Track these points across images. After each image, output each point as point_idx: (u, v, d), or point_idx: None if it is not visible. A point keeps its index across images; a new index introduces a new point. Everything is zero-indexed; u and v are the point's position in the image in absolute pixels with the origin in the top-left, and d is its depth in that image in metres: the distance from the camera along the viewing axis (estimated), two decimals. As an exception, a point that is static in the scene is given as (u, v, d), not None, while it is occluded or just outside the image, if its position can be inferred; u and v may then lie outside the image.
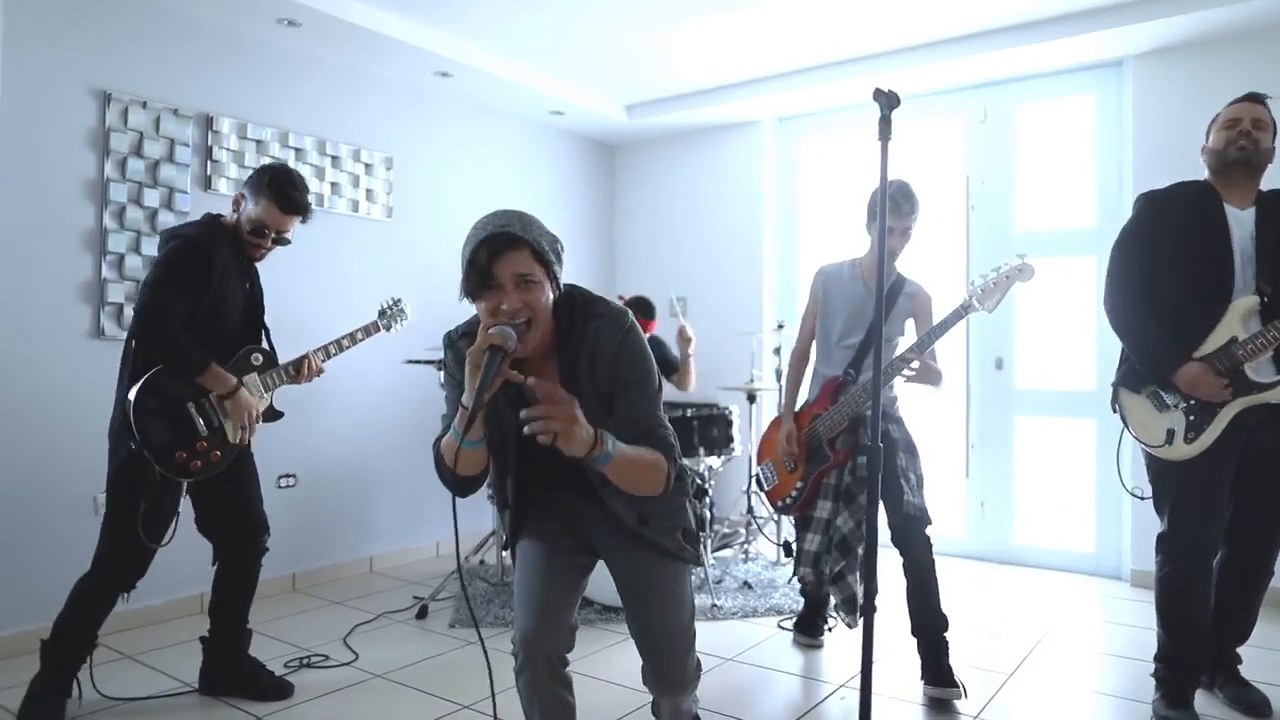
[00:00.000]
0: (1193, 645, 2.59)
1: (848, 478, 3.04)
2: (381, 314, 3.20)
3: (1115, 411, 2.73)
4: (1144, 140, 4.24)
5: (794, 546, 3.28)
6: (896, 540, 2.91)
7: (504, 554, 4.13)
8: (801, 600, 3.51)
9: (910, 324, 3.14)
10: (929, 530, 2.93)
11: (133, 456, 2.52)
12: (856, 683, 2.95)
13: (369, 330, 3.11)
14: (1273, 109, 2.64)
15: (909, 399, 3.25)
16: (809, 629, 3.42)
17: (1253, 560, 2.70)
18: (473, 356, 1.64)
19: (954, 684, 2.80)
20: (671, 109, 5.38)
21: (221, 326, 2.70)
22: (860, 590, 2.99)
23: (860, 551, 2.99)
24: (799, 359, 3.29)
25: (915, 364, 2.83)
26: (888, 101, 1.69)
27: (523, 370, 1.72)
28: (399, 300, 3.27)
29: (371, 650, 3.27)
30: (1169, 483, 2.60)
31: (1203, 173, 2.68)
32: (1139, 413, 2.66)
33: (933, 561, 2.92)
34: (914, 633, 2.93)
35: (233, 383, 2.63)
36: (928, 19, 4.14)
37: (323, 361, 2.94)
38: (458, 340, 1.88)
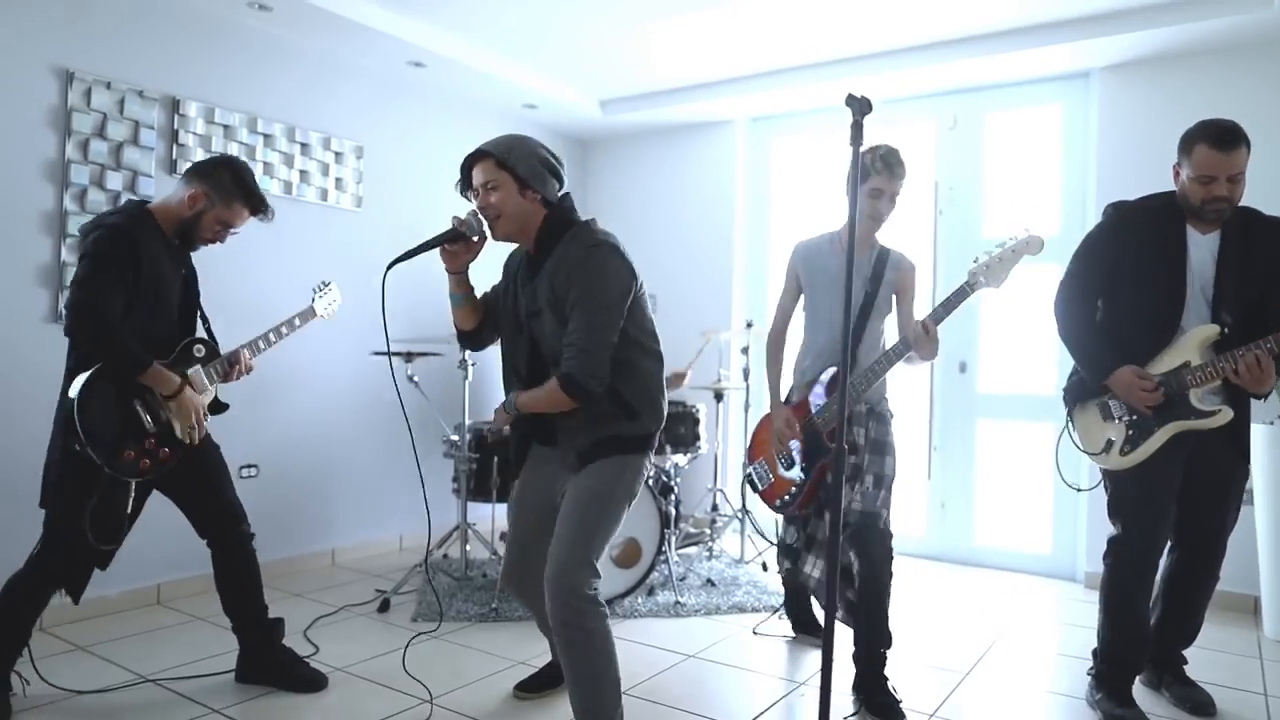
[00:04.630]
0: (1138, 644, 2.70)
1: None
2: (314, 297, 3.07)
3: (1067, 413, 2.82)
4: (1108, 150, 4.32)
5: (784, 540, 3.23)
6: (850, 544, 2.82)
7: (466, 541, 4.11)
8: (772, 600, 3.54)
9: (895, 300, 3.01)
10: (890, 541, 2.81)
11: (76, 456, 2.42)
12: (815, 680, 3.00)
13: (305, 316, 2.96)
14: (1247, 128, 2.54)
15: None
16: (811, 627, 3.42)
17: (1199, 565, 2.77)
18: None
19: (901, 715, 2.67)
20: (645, 106, 5.38)
21: (161, 319, 2.61)
22: (812, 575, 3.05)
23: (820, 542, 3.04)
24: (776, 345, 3.11)
25: (913, 353, 2.71)
26: (860, 107, 1.70)
27: (515, 257, 2.42)
28: (328, 282, 3.16)
29: (332, 643, 3.24)
30: (1122, 488, 2.68)
31: (1171, 182, 2.65)
32: (1084, 419, 2.76)
33: (886, 583, 2.79)
34: (855, 652, 2.81)
35: (176, 382, 2.53)
36: (901, 25, 4.19)
37: (252, 358, 2.81)
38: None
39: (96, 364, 2.44)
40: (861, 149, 2.82)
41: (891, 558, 2.81)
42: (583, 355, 2.13)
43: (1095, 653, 2.79)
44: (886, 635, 2.80)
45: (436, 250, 2.30)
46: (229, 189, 2.63)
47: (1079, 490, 2.88)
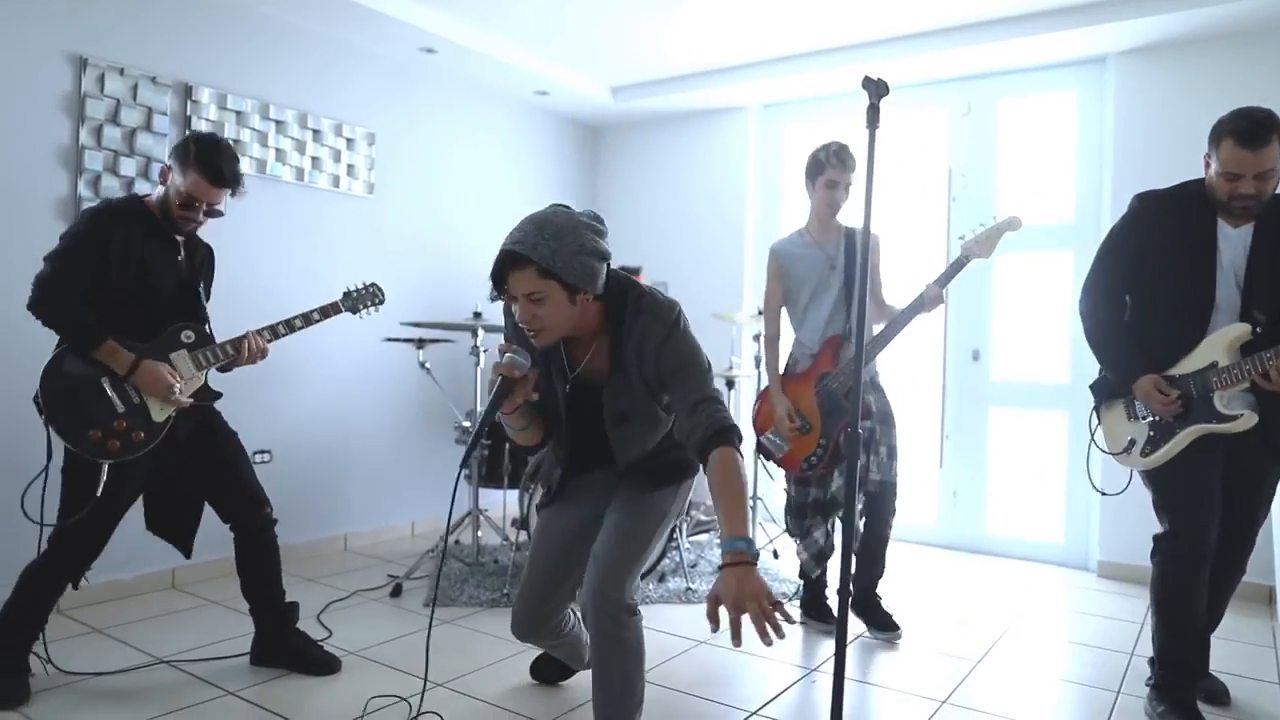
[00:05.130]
0: (1196, 645, 2.58)
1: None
2: (346, 296, 2.99)
3: (1094, 410, 2.75)
4: (1125, 138, 4.28)
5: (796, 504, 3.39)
6: (868, 506, 3.22)
7: (514, 530, 4.13)
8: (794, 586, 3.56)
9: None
10: (897, 503, 3.24)
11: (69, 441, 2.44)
12: (827, 667, 3.00)
13: (327, 311, 2.88)
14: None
15: (890, 378, 3.43)
16: (821, 613, 3.43)
17: (1227, 560, 2.65)
18: (492, 376, 1.99)
19: (896, 626, 3.26)
20: (657, 92, 5.36)
21: (147, 304, 2.59)
22: (825, 543, 3.35)
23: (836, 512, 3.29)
24: (773, 342, 3.39)
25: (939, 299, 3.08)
26: (876, 90, 1.69)
27: (573, 347, 2.11)
28: (373, 285, 3.05)
29: (345, 628, 3.26)
30: (1166, 484, 2.56)
31: (1187, 170, 2.58)
32: (1110, 418, 2.71)
33: (888, 535, 3.27)
34: (854, 583, 3.22)
35: (129, 360, 2.49)
36: (914, 10, 4.15)
37: (268, 341, 2.77)
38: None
39: (64, 343, 2.46)
40: (817, 147, 3.27)
41: (893, 515, 3.27)
42: (721, 406, 1.97)
43: (1152, 661, 2.67)
44: (882, 567, 3.31)
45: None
46: (184, 157, 2.56)
47: (1104, 495, 2.88)
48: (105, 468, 2.50)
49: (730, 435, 1.90)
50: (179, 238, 2.69)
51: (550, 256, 1.85)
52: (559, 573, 2.32)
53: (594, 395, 2.12)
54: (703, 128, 5.68)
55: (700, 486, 5.31)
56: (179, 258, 2.70)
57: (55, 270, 2.45)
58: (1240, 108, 2.39)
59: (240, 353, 2.72)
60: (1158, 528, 2.59)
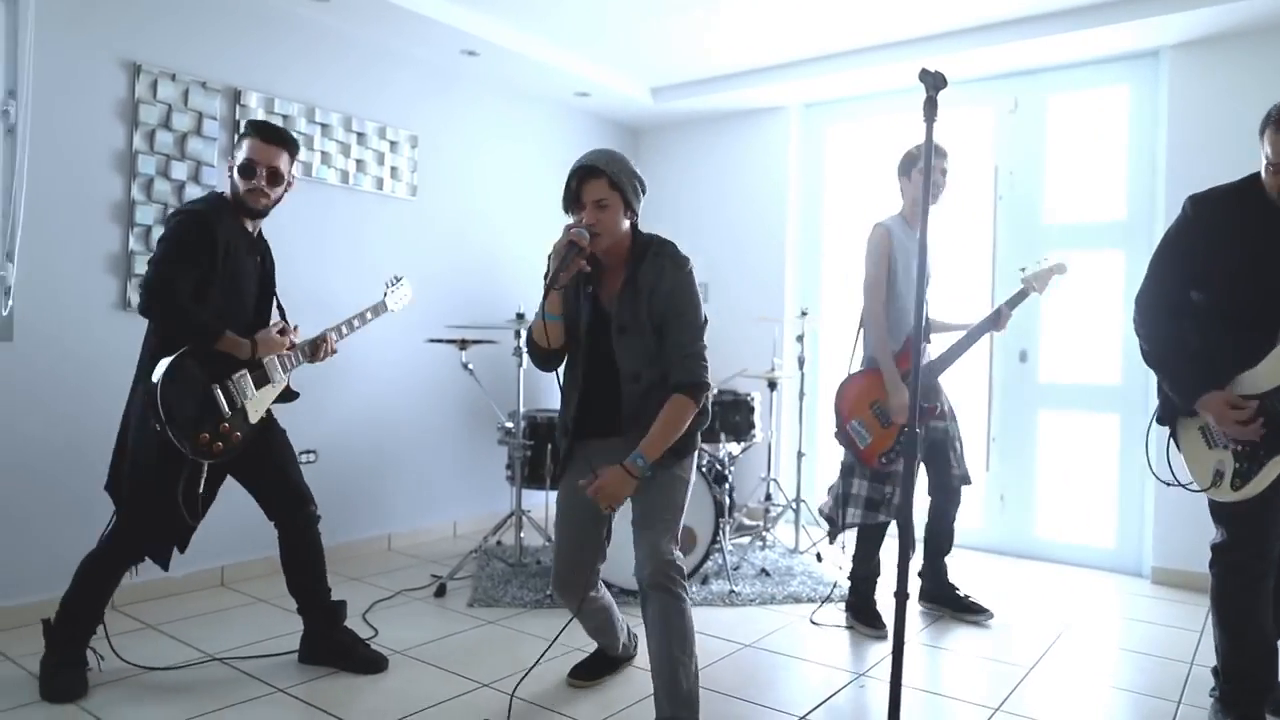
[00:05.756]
0: (1264, 658, 2.40)
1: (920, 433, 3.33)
2: (386, 292, 3.17)
3: (1169, 435, 2.51)
4: (1179, 133, 4.18)
5: (835, 511, 3.41)
6: (935, 504, 3.47)
7: (521, 520, 4.14)
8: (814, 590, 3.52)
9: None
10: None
11: (158, 437, 2.49)
12: (876, 671, 2.96)
13: (377, 310, 3.06)
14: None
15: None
16: (870, 618, 3.38)
17: None
18: (556, 247, 2.27)
19: (985, 608, 3.53)
20: (697, 93, 5.34)
21: (239, 305, 2.68)
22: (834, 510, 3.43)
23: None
24: (881, 318, 3.31)
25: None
26: (934, 82, 1.66)
27: (598, 277, 2.43)
28: (399, 277, 3.24)
29: (391, 627, 3.28)
30: None
31: (1245, 167, 2.42)
32: (1188, 445, 2.46)
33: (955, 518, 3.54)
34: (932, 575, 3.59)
35: (248, 345, 2.63)
36: (960, 6, 4.09)
37: (336, 342, 2.92)
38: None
39: (180, 346, 2.52)
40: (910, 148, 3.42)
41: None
42: (700, 361, 2.34)
43: (1215, 671, 2.53)
44: (949, 543, 3.57)
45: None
46: (238, 136, 2.71)
47: (1169, 484, 2.50)
48: (206, 467, 2.60)
49: (698, 391, 2.32)
50: (251, 230, 2.76)
51: (618, 174, 2.32)
52: (586, 534, 2.54)
53: (608, 324, 2.41)
54: (743, 128, 5.65)
55: (742, 489, 5.28)
56: (258, 257, 2.78)
57: (165, 274, 2.50)
58: None
59: (317, 352, 2.83)
60: (1214, 534, 2.45)
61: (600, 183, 2.32)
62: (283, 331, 2.75)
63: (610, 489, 2.28)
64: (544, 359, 2.47)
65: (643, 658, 2.98)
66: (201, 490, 2.63)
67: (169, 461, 2.54)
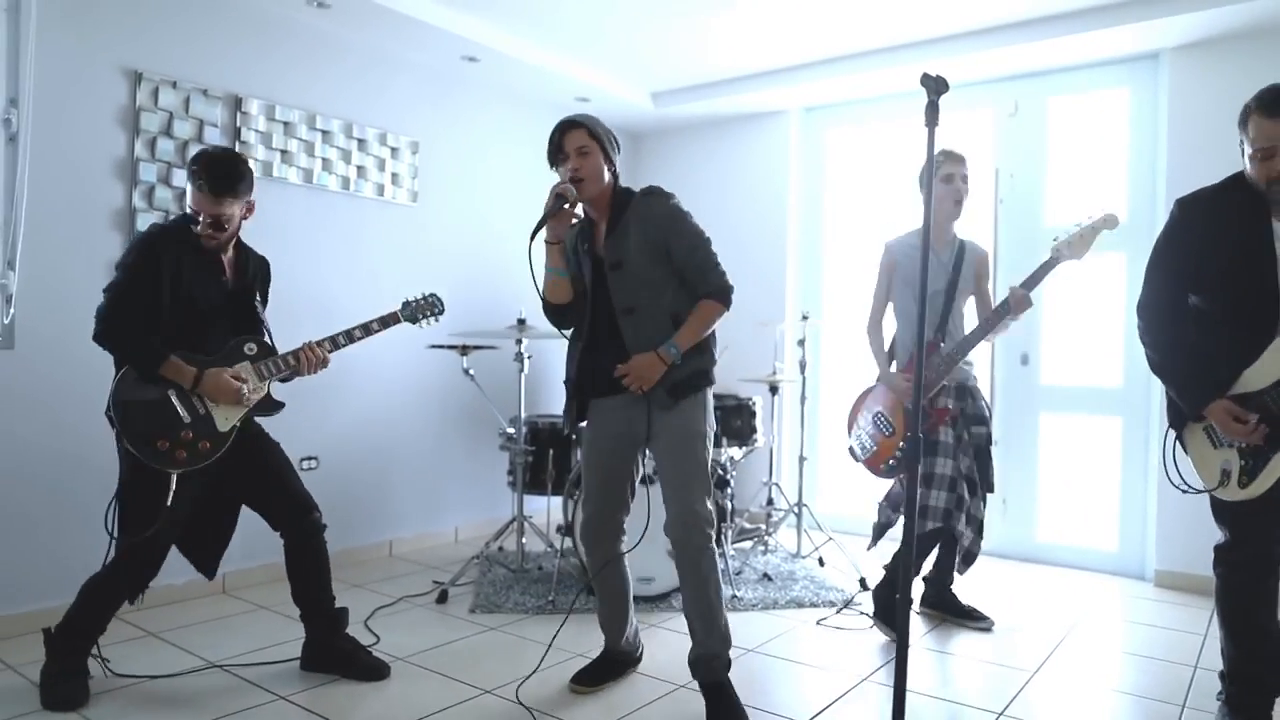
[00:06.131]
0: (1268, 658, 2.40)
1: (965, 435, 3.31)
2: (405, 305, 2.99)
3: (1175, 437, 2.52)
4: (1179, 136, 4.18)
5: (884, 522, 3.45)
6: (973, 504, 3.35)
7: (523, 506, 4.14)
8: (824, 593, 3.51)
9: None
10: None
11: (126, 454, 2.52)
12: (879, 676, 2.95)
13: (386, 321, 2.91)
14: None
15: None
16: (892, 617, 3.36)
17: None
18: (547, 200, 2.48)
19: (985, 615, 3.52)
20: (697, 97, 5.35)
21: (196, 320, 2.65)
22: (969, 541, 3.35)
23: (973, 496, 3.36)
24: (876, 329, 3.46)
25: (1007, 323, 3.16)
26: (936, 86, 1.66)
27: (591, 234, 2.61)
28: (433, 296, 3.04)
29: (392, 633, 3.27)
30: None
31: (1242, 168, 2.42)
32: (1195, 447, 2.47)
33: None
34: (939, 569, 3.56)
35: (191, 374, 2.57)
36: (960, 9, 4.09)
37: (329, 352, 2.79)
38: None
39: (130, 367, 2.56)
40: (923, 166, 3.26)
41: None
42: (719, 269, 2.63)
43: (1222, 675, 2.51)
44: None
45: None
46: (187, 173, 2.63)
47: (1197, 491, 2.47)
48: (174, 478, 2.57)
49: (724, 294, 2.61)
50: (218, 248, 2.72)
51: (594, 126, 2.55)
52: (613, 479, 2.69)
53: (602, 266, 2.58)
54: (743, 132, 5.65)
55: (743, 494, 5.27)
56: (223, 275, 2.74)
57: (112, 302, 2.56)
58: (1266, 85, 2.29)
59: (300, 363, 2.75)
60: (1218, 536, 2.44)
61: (580, 132, 2.53)
62: (240, 378, 2.65)
63: (640, 370, 2.49)
64: (558, 315, 2.67)
65: (646, 660, 2.98)
66: (177, 502, 2.57)
67: (141, 476, 2.54)
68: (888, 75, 4.72)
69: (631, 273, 2.54)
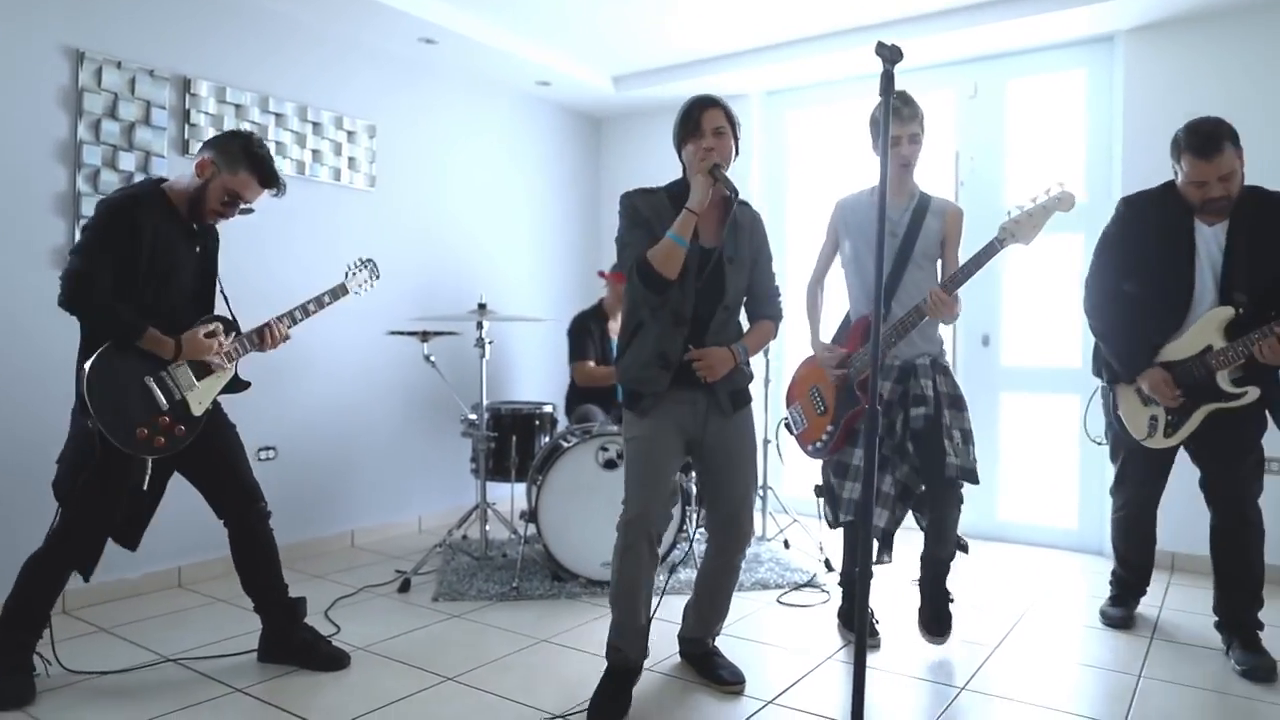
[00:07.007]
0: (1139, 570, 3.27)
1: (899, 431, 2.86)
2: (347, 275, 3.02)
3: (1109, 391, 3.08)
4: (1134, 117, 4.22)
5: (829, 491, 3.07)
6: (930, 500, 2.91)
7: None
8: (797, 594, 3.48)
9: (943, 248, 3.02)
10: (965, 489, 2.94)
11: (92, 434, 2.42)
12: (843, 655, 2.96)
13: (335, 293, 2.92)
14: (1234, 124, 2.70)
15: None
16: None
17: (1235, 520, 2.84)
18: (700, 172, 2.40)
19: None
20: (658, 81, 5.31)
21: (171, 295, 2.58)
22: (885, 525, 2.93)
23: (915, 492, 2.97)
24: (813, 292, 3.17)
25: (949, 306, 2.70)
26: (890, 55, 1.64)
27: (701, 219, 2.44)
28: (367, 259, 3.13)
29: (353, 623, 3.22)
30: (1122, 442, 3.07)
31: None
32: (1126, 403, 3.00)
33: (958, 520, 2.97)
34: (922, 584, 3.06)
35: (171, 343, 2.52)
36: (920, -10, 4.10)
37: (289, 328, 2.79)
38: (636, 195, 2.62)
39: (103, 339, 2.43)
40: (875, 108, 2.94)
41: (962, 504, 2.99)
42: (780, 296, 2.73)
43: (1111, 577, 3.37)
44: (944, 547, 3.00)
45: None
46: (236, 156, 2.57)
47: (1099, 443, 3.28)
48: (149, 463, 2.53)
49: (779, 321, 2.73)
50: (195, 227, 2.66)
51: (730, 111, 2.53)
52: (664, 471, 2.56)
53: (710, 258, 2.52)
54: (705, 116, 5.61)
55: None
56: (196, 249, 2.68)
57: (85, 264, 2.41)
58: (1191, 121, 2.72)
59: (264, 340, 2.73)
60: (1175, 513, 3.14)
61: (718, 111, 2.48)
62: (212, 334, 2.61)
63: (712, 361, 2.49)
64: (662, 287, 2.42)
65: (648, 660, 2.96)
66: (146, 487, 2.55)
67: (110, 458, 2.46)
68: (848, 57, 4.71)
69: (739, 271, 2.56)
